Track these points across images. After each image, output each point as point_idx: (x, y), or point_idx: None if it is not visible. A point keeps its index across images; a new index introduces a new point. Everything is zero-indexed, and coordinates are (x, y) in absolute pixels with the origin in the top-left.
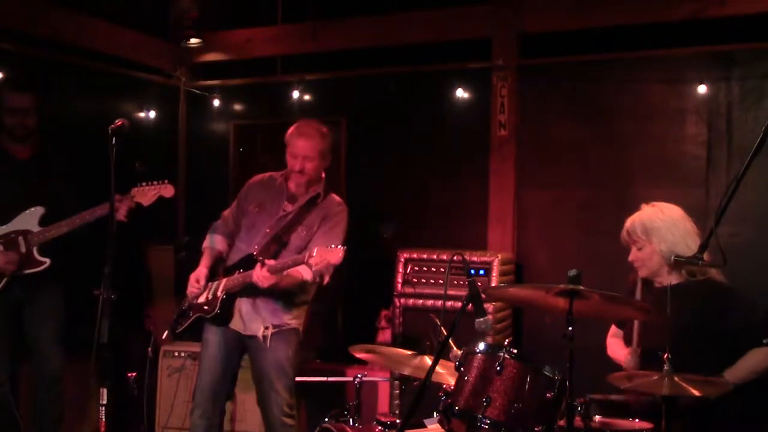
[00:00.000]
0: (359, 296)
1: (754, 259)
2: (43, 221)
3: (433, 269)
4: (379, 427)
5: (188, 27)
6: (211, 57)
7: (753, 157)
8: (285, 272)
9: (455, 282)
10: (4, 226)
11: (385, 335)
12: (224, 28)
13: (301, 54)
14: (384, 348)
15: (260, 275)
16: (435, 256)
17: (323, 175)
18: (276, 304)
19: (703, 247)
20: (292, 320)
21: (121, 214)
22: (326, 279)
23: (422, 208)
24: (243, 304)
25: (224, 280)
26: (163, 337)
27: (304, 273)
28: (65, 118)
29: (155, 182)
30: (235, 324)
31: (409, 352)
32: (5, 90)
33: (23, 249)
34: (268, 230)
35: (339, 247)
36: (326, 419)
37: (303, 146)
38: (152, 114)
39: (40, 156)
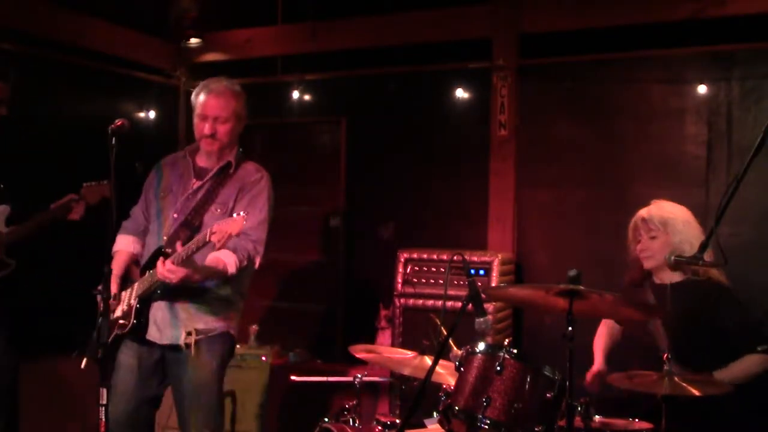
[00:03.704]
0: (359, 296)
1: (754, 259)
2: (10, 220)
3: (433, 269)
4: (379, 427)
5: (188, 27)
6: (211, 57)
7: (753, 157)
8: (204, 263)
9: (455, 282)
10: None
11: (385, 335)
12: (224, 28)
13: (301, 54)
14: (384, 348)
15: (164, 270)
16: (435, 256)
17: (237, 145)
18: (198, 305)
19: (703, 247)
20: (220, 322)
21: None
22: (257, 262)
23: (422, 208)
24: (158, 310)
25: (135, 285)
26: (82, 366)
27: (228, 262)
28: (65, 118)
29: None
30: (151, 333)
31: (409, 352)
32: None
33: None
34: (175, 215)
35: (240, 214)
36: (326, 419)
37: (214, 105)
38: (152, 114)
39: None
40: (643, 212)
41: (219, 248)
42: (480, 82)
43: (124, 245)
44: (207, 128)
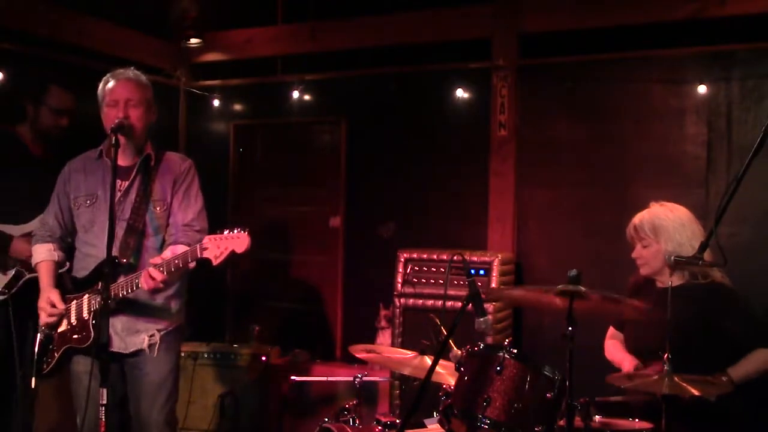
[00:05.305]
0: (359, 296)
1: (754, 259)
2: None
3: (433, 269)
4: (379, 427)
5: (188, 27)
6: (211, 57)
7: (753, 157)
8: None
9: (455, 282)
10: (25, 225)
11: (385, 335)
12: (224, 28)
13: (301, 54)
14: (384, 348)
15: (153, 282)
16: (435, 256)
17: (149, 138)
18: (155, 306)
19: (703, 247)
20: (175, 316)
21: None
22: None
23: (422, 208)
24: (117, 322)
25: (86, 298)
26: (33, 385)
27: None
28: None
29: None
30: (115, 345)
31: (409, 352)
32: (52, 87)
33: None
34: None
35: (243, 232)
36: (326, 419)
37: (124, 89)
38: None
39: (53, 154)
40: (635, 219)
41: (217, 264)
42: (480, 82)
43: (47, 255)
44: (120, 112)
